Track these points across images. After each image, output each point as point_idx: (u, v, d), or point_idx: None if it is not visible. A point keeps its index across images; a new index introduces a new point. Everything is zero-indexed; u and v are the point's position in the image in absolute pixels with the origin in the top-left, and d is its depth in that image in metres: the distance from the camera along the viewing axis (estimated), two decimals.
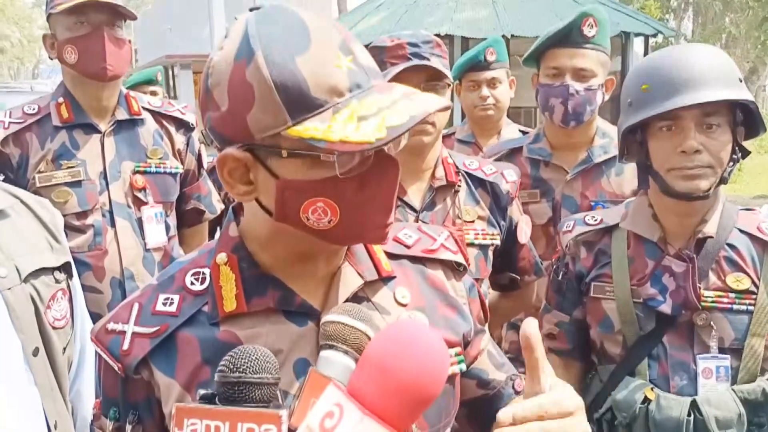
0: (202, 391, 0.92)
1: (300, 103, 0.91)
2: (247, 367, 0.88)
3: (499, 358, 1.31)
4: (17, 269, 1.49)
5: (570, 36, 2.46)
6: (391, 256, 1.17)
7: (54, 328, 1.55)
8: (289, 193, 0.96)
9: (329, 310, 1.04)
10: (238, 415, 0.87)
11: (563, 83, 2.47)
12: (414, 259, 1.20)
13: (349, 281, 1.09)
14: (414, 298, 1.15)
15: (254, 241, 1.07)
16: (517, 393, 1.32)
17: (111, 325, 1.06)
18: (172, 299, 1.07)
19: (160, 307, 1.06)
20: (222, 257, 1.07)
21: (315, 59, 0.92)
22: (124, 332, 1.05)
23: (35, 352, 1.48)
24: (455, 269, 1.24)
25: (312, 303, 1.06)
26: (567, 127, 2.52)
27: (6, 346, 1.40)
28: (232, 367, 0.88)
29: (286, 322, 1.04)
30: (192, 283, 1.08)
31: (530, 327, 0.91)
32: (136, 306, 1.07)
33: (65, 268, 1.65)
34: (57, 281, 1.60)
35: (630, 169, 2.49)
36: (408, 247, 1.20)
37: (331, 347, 0.96)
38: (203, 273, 1.09)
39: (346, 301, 1.06)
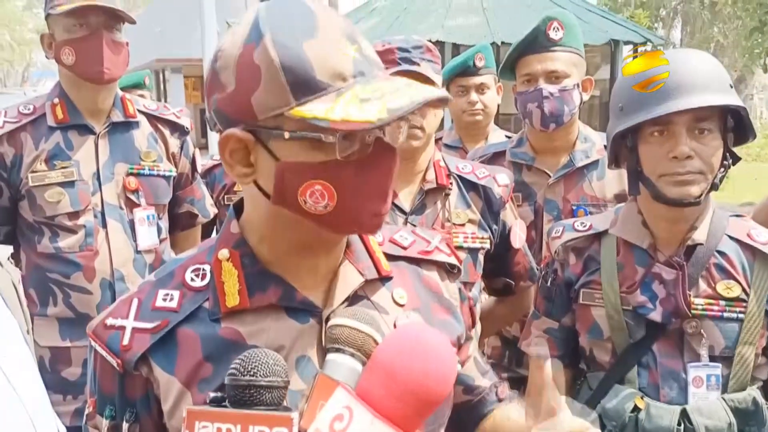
0: (212, 394, 0.92)
1: (304, 85, 0.93)
2: (257, 370, 0.89)
3: (483, 365, 1.33)
4: None
5: (537, 41, 2.48)
6: (388, 256, 1.18)
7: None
8: (288, 175, 0.97)
9: (330, 307, 1.05)
10: (250, 418, 0.87)
11: (536, 87, 2.48)
12: (410, 260, 1.21)
13: (350, 279, 1.10)
14: (410, 298, 1.16)
15: (254, 234, 1.08)
16: (500, 400, 1.35)
17: (110, 321, 1.06)
18: (171, 295, 1.07)
19: (159, 302, 1.06)
20: (224, 253, 1.08)
21: (321, 45, 0.95)
22: (123, 327, 1.05)
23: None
24: (449, 271, 1.25)
25: (313, 300, 1.06)
26: (547, 130, 2.52)
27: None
28: (243, 370, 0.89)
29: (287, 319, 1.05)
30: (192, 279, 1.08)
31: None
32: (135, 301, 1.07)
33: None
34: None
35: (611, 174, 2.50)
36: (404, 248, 1.21)
37: (338, 350, 0.97)
38: (203, 269, 1.09)
39: (347, 299, 1.07)
